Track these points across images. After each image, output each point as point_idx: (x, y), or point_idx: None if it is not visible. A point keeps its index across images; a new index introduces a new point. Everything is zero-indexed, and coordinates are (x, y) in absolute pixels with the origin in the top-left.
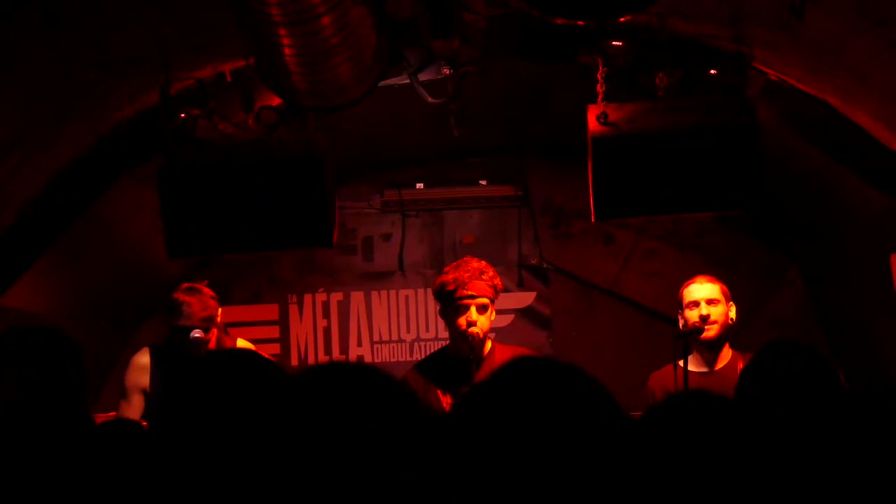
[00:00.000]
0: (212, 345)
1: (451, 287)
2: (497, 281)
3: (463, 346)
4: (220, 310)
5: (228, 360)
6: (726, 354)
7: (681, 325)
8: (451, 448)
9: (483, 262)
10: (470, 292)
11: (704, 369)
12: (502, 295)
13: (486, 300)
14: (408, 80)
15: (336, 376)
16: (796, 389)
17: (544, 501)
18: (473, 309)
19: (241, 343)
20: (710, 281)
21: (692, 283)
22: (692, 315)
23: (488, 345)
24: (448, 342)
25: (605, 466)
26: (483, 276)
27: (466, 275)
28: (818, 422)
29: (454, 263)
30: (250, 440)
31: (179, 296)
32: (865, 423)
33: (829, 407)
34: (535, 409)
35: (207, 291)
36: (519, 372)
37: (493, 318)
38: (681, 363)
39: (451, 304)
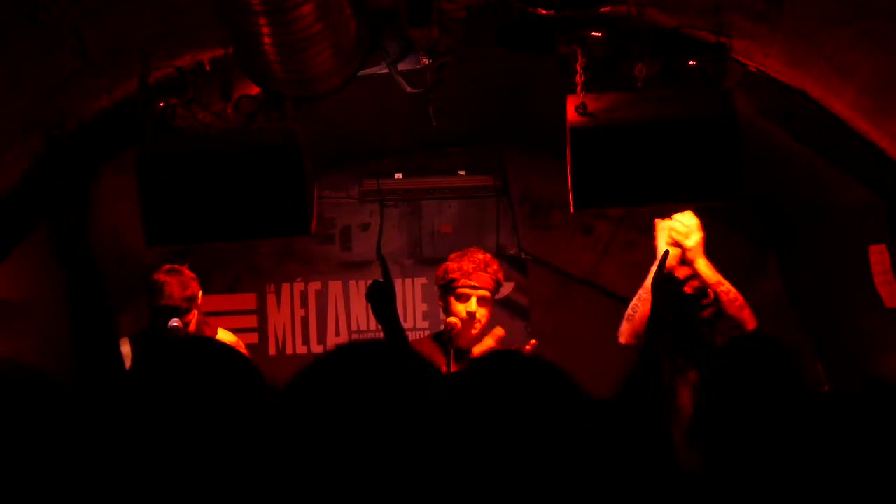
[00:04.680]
0: (192, 330)
1: (454, 275)
2: (500, 276)
3: (453, 336)
4: (200, 292)
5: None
6: None
7: None
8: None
9: (488, 255)
10: (473, 283)
11: None
12: None
13: (487, 293)
14: (387, 70)
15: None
16: (757, 386)
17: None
18: (474, 299)
19: (222, 333)
20: (690, 272)
21: (673, 271)
22: None
23: (487, 340)
24: (438, 329)
25: (572, 458)
26: (488, 269)
27: (471, 265)
28: (780, 419)
29: (459, 252)
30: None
31: (160, 276)
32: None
33: (790, 405)
34: (504, 402)
35: (188, 273)
36: (488, 367)
37: (491, 311)
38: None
39: (452, 293)
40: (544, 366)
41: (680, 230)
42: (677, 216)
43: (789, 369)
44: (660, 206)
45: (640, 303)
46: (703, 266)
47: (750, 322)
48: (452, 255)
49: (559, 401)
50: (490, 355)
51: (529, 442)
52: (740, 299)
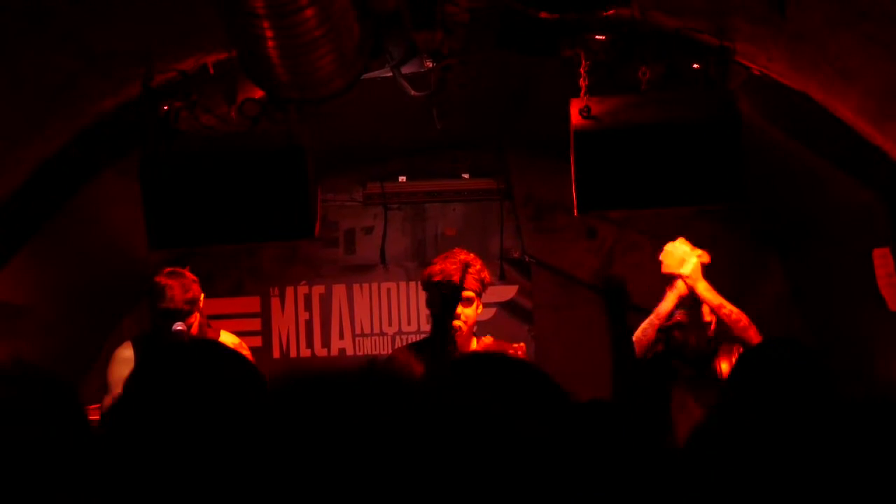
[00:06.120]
0: (194, 332)
1: (437, 278)
2: (484, 274)
3: (456, 339)
4: (202, 294)
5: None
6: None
7: None
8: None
9: (471, 255)
10: None
11: None
12: None
13: (471, 293)
14: (390, 73)
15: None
16: (787, 389)
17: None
18: None
19: (225, 335)
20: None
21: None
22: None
23: (473, 342)
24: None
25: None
26: (470, 270)
27: (453, 266)
28: (807, 424)
29: (443, 255)
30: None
31: (161, 279)
32: (858, 429)
33: (820, 410)
34: (477, 404)
35: (189, 275)
36: (463, 370)
37: (479, 311)
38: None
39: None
40: (522, 367)
41: (671, 263)
42: (666, 248)
43: (821, 374)
44: (663, 208)
45: (649, 327)
46: (704, 289)
47: (756, 340)
48: (436, 258)
49: (538, 402)
50: (466, 358)
51: (505, 446)
52: (744, 319)
